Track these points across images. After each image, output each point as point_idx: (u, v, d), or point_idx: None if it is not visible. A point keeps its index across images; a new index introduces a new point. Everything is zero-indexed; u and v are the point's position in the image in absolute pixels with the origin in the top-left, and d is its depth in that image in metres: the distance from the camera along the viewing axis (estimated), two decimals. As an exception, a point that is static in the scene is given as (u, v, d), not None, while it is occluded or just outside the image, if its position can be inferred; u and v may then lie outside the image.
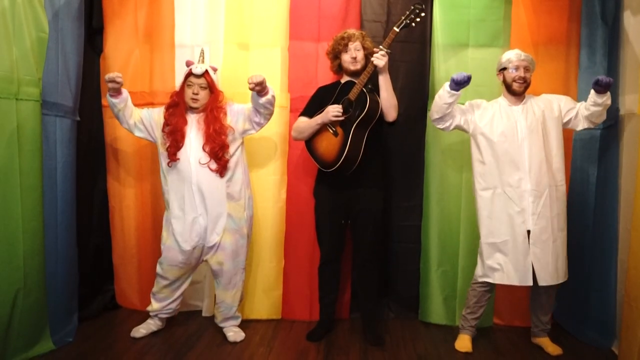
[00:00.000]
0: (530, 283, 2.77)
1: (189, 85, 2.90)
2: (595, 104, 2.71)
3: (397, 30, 2.85)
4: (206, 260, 3.00)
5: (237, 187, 2.97)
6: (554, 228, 2.77)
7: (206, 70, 2.89)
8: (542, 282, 2.76)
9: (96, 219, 3.44)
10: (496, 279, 2.83)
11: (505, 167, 2.79)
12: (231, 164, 2.93)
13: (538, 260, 2.75)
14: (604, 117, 2.80)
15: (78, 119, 3.03)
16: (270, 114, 2.98)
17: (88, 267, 3.29)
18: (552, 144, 2.81)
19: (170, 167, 2.89)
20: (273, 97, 2.88)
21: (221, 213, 2.91)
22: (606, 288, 2.98)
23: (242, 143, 3.04)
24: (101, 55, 3.37)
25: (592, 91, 2.69)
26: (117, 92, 2.87)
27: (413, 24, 2.88)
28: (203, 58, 2.99)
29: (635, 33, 2.89)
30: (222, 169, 2.87)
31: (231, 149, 2.93)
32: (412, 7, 2.86)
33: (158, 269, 3.00)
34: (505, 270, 2.80)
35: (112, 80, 2.79)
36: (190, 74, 2.90)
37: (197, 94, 2.88)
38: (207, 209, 2.88)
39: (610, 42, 3.05)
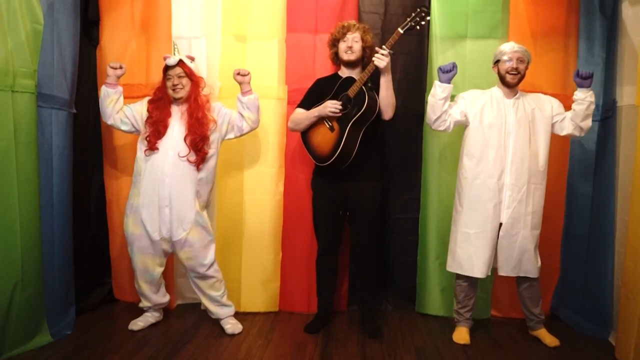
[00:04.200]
0: (489, 273, 2.86)
1: (168, 78, 2.92)
2: (578, 101, 2.76)
3: (401, 31, 2.83)
4: (178, 255, 2.99)
5: (207, 188, 2.99)
6: (527, 225, 2.81)
7: (180, 60, 2.90)
8: (501, 272, 2.86)
9: (93, 212, 3.42)
10: (464, 270, 2.88)
11: (489, 158, 2.82)
12: (209, 164, 2.94)
13: (503, 251, 2.83)
14: (589, 122, 2.81)
15: (74, 111, 3.01)
16: (253, 122, 3.01)
17: (86, 260, 3.29)
18: (539, 143, 2.83)
19: (147, 155, 2.89)
20: (256, 99, 2.98)
21: (189, 209, 2.89)
22: (603, 280, 2.99)
23: (218, 150, 3.04)
24: (97, 47, 3.35)
25: (577, 90, 2.77)
26: (115, 82, 2.91)
27: (417, 27, 2.87)
28: (177, 50, 3.01)
29: (634, 24, 2.88)
30: (200, 161, 2.88)
31: (212, 147, 2.94)
32: (418, 10, 2.84)
33: (133, 264, 2.98)
34: (473, 262, 2.84)
35: (119, 67, 2.90)
36: (166, 67, 2.92)
37: (177, 84, 2.89)
38: (174, 202, 2.86)
39: (609, 33, 3.05)
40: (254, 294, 3.37)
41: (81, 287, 3.20)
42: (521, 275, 2.86)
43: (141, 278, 2.98)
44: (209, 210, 3.17)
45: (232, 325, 3.02)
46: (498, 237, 2.83)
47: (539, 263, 2.88)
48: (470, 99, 2.92)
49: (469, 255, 2.86)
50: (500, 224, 2.82)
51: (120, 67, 2.93)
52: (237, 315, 3.13)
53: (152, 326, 3.06)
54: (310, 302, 3.34)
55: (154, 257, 2.95)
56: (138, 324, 3.01)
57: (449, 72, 2.80)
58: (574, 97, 2.79)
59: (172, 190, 2.85)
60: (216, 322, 3.09)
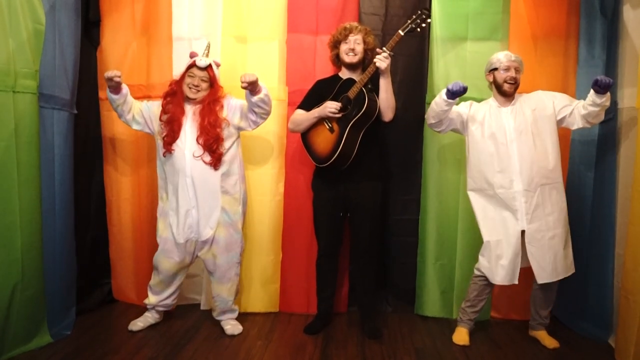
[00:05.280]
0: (516, 282, 2.81)
1: (190, 75, 2.89)
2: (594, 104, 2.67)
3: (402, 33, 2.83)
4: (199, 256, 3.01)
5: (232, 182, 2.96)
6: (550, 226, 2.77)
7: (210, 64, 2.89)
8: (540, 280, 2.78)
9: (94, 212, 3.42)
10: (487, 275, 2.87)
11: (496, 169, 2.81)
12: (227, 157, 2.93)
13: (535, 258, 2.77)
14: (602, 118, 2.78)
15: (75, 111, 3.01)
16: (266, 114, 2.96)
17: (86, 260, 3.29)
18: (546, 143, 2.80)
19: (165, 157, 2.89)
20: (266, 95, 2.85)
21: (215, 206, 2.90)
22: (603, 282, 2.99)
23: (239, 138, 3.03)
24: (98, 48, 3.36)
25: (592, 91, 2.66)
26: (116, 88, 2.84)
27: (418, 29, 2.86)
28: (208, 52, 2.97)
29: (634, 26, 2.88)
30: (215, 162, 2.86)
31: (227, 143, 2.92)
32: (419, 12, 2.84)
33: (155, 261, 3.00)
34: (493, 270, 2.83)
35: (111, 79, 2.75)
36: (193, 65, 2.89)
37: (197, 86, 2.87)
38: (199, 202, 2.87)
39: (609, 35, 3.04)
40: (253, 294, 3.37)
41: (81, 287, 3.20)
42: (560, 277, 2.81)
43: (160, 277, 3.00)
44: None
45: (232, 326, 3.02)
46: (525, 245, 2.78)
47: (571, 258, 2.84)
48: (472, 113, 2.91)
49: (490, 263, 2.84)
50: (523, 232, 2.78)
51: (112, 79, 2.75)
52: (237, 316, 3.13)
53: (152, 327, 3.06)
54: (310, 303, 3.34)
55: (177, 263, 2.96)
56: (138, 324, 3.01)
57: (457, 94, 2.73)
58: (590, 99, 2.67)
59: (196, 190, 2.86)
60: (216, 323, 3.09)
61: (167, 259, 2.96)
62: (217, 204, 2.91)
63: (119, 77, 2.77)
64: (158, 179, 3.02)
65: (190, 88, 2.88)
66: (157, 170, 3.02)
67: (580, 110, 2.76)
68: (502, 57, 2.84)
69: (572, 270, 2.85)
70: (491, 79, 2.89)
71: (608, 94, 2.65)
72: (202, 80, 2.88)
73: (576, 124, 2.81)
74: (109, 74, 2.75)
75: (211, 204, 2.90)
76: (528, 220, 2.76)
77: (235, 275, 3.03)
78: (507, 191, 2.79)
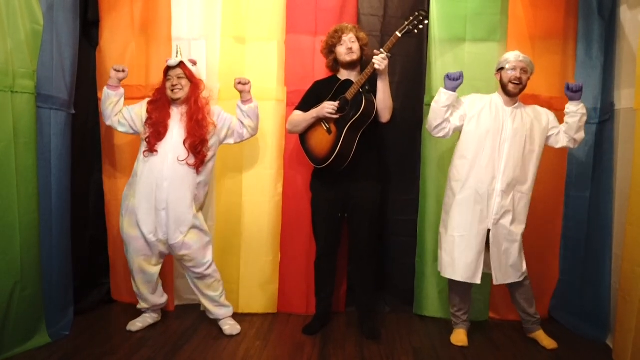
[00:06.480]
0: (478, 281, 2.84)
1: (168, 79, 2.93)
2: (570, 114, 2.79)
3: (399, 35, 2.84)
4: (176, 256, 3.00)
5: (204, 191, 3.02)
6: (511, 232, 2.82)
7: (181, 61, 2.92)
8: (495, 282, 2.84)
9: (92, 212, 3.42)
10: (447, 273, 2.89)
11: (482, 163, 2.82)
12: (208, 166, 2.97)
13: (495, 259, 2.83)
14: (582, 134, 2.85)
15: (73, 112, 3.01)
16: (253, 130, 3.04)
17: (84, 260, 3.28)
18: (532, 154, 2.84)
19: (145, 157, 2.89)
20: (256, 107, 3.01)
21: (186, 212, 2.88)
22: (601, 282, 2.99)
23: (216, 153, 3.06)
24: (97, 48, 3.35)
25: (568, 103, 2.80)
26: (116, 84, 2.93)
27: (415, 31, 2.87)
28: (180, 53, 2.98)
29: (632, 27, 2.89)
30: (199, 164, 2.88)
31: (210, 152, 2.96)
32: (417, 13, 2.85)
33: (129, 264, 2.98)
34: (456, 265, 2.85)
35: (122, 71, 2.93)
36: (167, 68, 2.93)
37: (176, 85, 2.90)
38: (170, 205, 2.85)
39: (607, 36, 3.06)
40: (252, 295, 3.36)
41: (79, 287, 3.19)
42: (510, 281, 2.86)
43: (138, 279, 2.98)
44: (207, 212, 3.18)
45: (230, 327, 3.02)
46: (489, 244, 2.83)
47: (524, 268, 2.87)
48: (469, 103, 2.92)
49: (452, 259, 2.86)
50: (489, 231, 2.82)
51: (123, 71, 2.94)
52: (235, 316, 3.13)
53: (151, 327, 3.06)
54: (308, 303, 3.35)
55: (150, 257, 2.95)
56: (136, 324, 3.01)
57: (456, 80, 2.80)
58: (566, 110, 2.82)
59: (170, 193, 2.85)
60: (214, 323, 3.09)
61: (138, 257, 2.93)
62: (189, 210, 2.90)
63: (127, 70, 2.97)
64: (132, 175, 2.99)
65: (172, 90, 2.91)
66: (134, 166, 2.99)
67: (562, 127, 2.86)
68: (510, 56, 2.85)
69: (521, 278, 2.87)
70: (499, 78, 2.90)
71: (582, 104, 2.78)
72: (179, 77, 2.91)
73: (560, 142, 2.88)
74: (120, 65, 2.96)
75: (184, 210, 2.88)
76: (496, 221, 2.81)
77: (214, 272, 3.02)
78: (487, 187, 2.81)
